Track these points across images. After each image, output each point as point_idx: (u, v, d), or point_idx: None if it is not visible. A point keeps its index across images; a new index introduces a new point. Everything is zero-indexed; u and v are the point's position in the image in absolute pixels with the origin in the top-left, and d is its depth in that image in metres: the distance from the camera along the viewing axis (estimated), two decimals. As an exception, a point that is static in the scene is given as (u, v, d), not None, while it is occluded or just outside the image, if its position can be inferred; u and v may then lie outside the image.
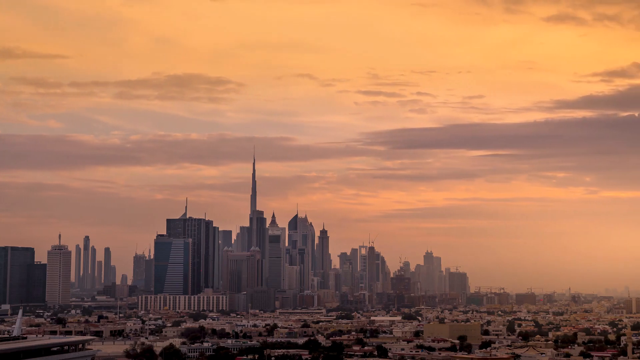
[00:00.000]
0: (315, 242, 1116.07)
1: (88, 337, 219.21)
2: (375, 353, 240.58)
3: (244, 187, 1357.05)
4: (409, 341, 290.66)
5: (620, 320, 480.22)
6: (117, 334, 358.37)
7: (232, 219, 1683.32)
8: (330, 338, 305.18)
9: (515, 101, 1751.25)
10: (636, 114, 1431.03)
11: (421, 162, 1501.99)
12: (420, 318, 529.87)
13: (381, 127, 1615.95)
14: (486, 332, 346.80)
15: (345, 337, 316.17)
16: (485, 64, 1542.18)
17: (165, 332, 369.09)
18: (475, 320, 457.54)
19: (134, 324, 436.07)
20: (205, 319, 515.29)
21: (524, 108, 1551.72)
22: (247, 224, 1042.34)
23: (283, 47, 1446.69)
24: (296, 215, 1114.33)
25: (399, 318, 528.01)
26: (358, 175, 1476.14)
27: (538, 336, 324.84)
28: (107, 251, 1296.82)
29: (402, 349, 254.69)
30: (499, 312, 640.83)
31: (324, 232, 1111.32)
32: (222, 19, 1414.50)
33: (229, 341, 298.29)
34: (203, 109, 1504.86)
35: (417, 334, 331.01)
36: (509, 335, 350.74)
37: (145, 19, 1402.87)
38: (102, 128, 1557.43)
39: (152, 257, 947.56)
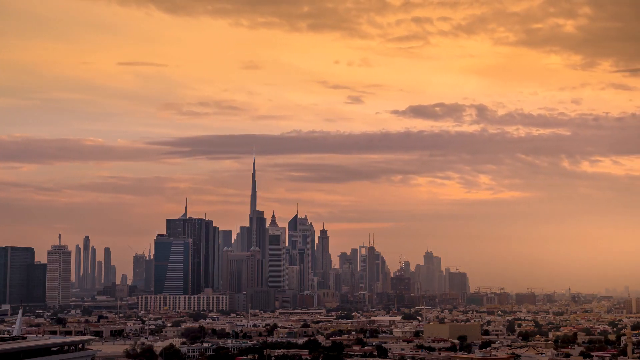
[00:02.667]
0: (315, 242, 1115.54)
1: (88, 337, 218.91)
2: (375, 353, 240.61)
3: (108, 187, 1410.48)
4: (409, 341, 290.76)
5: (620, 320, 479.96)
6: (117, 334, 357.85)
7: (232, 220, 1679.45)
8: (330, 338, 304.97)
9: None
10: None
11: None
12: (420, 318, 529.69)
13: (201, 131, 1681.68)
14: (486, 332, 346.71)
15: (345, 337, 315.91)
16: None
17: (165, 332, 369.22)
18: (475, 320, 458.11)
19: (134, 324, 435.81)
20: (205, 319, 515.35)
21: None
22: (246, 224, 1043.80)
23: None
24: (296, 215, 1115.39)
25: (399, 318, 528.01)
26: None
27: (538, 336, 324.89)
28: (107, 251, 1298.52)
29: (402, 349, 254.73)
30: (499, 312, 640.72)
31: (324, 232, 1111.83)
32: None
33: (229, 341, 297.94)
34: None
35: (417, 334, 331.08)
36: (509, 335, 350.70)
37: None
38: None
39: (152, 257, 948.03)
